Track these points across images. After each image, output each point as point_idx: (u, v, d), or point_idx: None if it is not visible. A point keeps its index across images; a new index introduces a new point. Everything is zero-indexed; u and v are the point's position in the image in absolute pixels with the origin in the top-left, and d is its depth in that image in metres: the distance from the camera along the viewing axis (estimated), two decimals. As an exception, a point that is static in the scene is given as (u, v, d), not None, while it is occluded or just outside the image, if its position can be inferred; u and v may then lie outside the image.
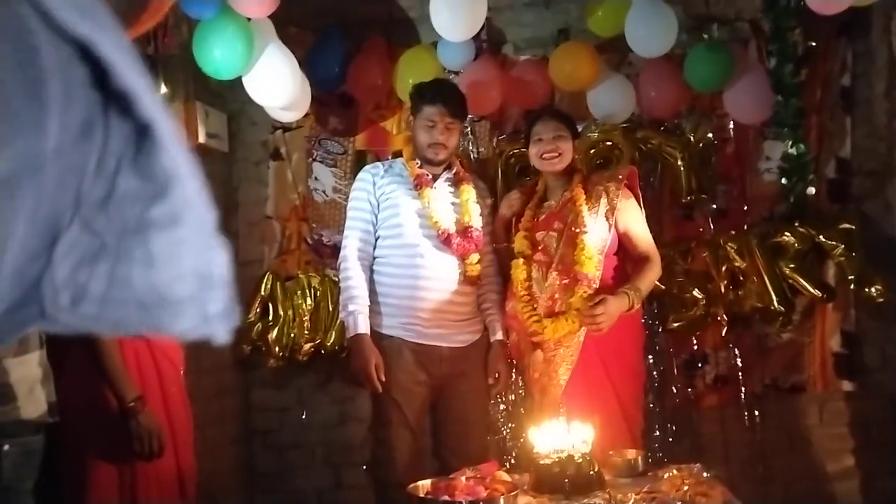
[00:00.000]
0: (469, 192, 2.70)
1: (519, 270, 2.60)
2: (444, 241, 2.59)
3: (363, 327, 2.54)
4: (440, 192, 2.69)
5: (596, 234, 2.51)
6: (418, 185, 2.64)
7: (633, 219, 2.58)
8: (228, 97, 3.47)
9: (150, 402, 2.18)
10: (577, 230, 2.51)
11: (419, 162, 2.68)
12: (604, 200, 2.55)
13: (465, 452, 2.65)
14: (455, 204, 2.70)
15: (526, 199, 2.74)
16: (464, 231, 2.63)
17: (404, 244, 2.61)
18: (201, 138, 3.18)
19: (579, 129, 2.83)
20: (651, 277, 2.53)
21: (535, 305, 2.55)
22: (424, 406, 2.65)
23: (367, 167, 2.83)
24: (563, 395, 2.48)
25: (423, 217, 2.63)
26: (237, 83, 3.05)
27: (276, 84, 2.96)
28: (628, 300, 2.41)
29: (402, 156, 2.82)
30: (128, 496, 2.16)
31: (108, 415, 2.13)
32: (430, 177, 2.68)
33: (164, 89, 2.92)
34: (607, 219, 2.54)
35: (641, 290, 2.46)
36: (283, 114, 3.24)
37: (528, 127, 2.71)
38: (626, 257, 2.61)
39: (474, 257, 2.63)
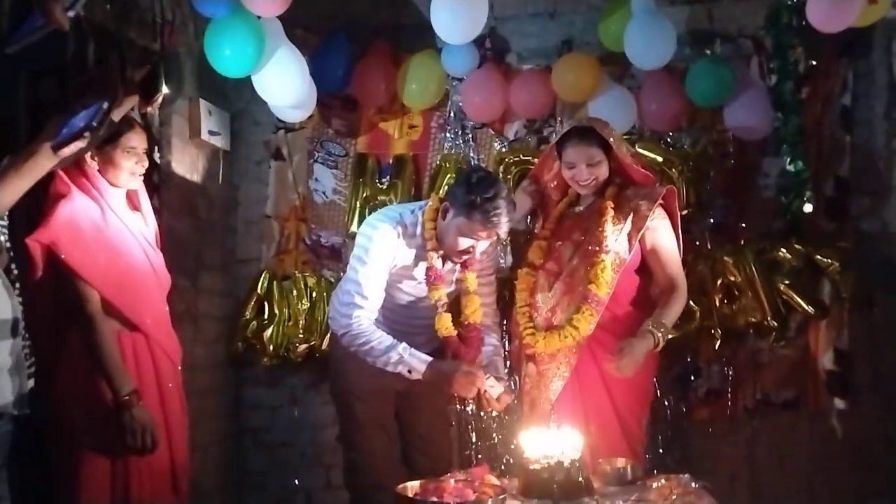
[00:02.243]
0: (475, 283, 2.58)
1: (522, 279, 2.59)
2: (445, 343, 2.52)
3: (423, 356, 2.39)
4: (446, 279, 2.57)
5: (615, 251, 2.44)
6: (430, 279, 2.51)
7: (665, 241, 2.49)
8: (232, 96, 3.49)
9: (146, 396, 2.17)
10: (598, 248, 2.43)
11: (439, 253, 2.50)
12: (631, 218, 2.44)
13: (434, 452, 2.66)
14: (457, 291, 2.60)
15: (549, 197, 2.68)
16: (466, 328, 2.55)
17: (395, 301, 2.57)
18: (204, 135, 3.20)
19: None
20: (676, 310, 2.43)
21: (534, 316, 2.54)
22: (392, 408, 2.65)
23: (388, 220, 2.52)
24: (556, 408, 2.46)
25: (423, 291, 2.55)
26: (241, 82, 3.07)
27: (286, 83, 2.97)
28: (653, 340, 2.32)
29: (418, 203, 2.67)
30: (120, 491, 2.14)
31: (102, 407, 2.12)
32: (443, 272, 2.53)
33: (167, 86, 2.93)
34: (630, 239, 2.44)
35: (667, 326, 2.37)
36: (290, 112, 3.25)
37: (559, 145, 2.57)
38: (650, 279, 2.54)
39: (470, 308, 2.55)
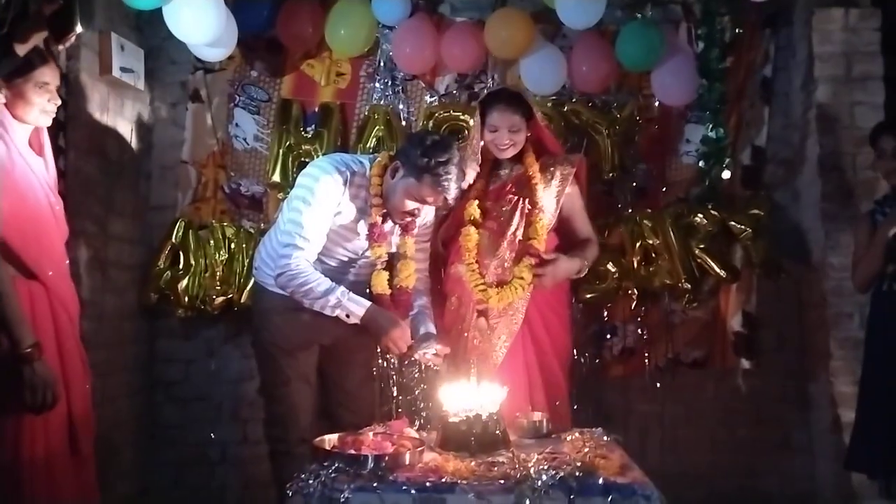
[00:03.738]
0: (412, 248, 2.55)
1: (469, 238, 2.60)
2: (377, 298, 2.47)
3: (362, 300, 2.35)
4: (388, 238, 2.53)
5: (547, 211, 2.61)
6: (372, 236, 2.46)
7: (578, 205, 2.71)
8: (147, 31, 3.29)
9: (45, 350, 2.03)
10: (534, 208, 2.58)
11: (382, 213, 2.45)
12: (555, 182, 2.63)
13: (357, 406, 2.66)
14: (395, 254, 2.57)
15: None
16: (397, 290, 2.53)
17: (333, 255, 2.50)
18: (115, 72, 3.01)
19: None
20: (594, 252, 2.70)
21: (483, 273, 2.58)
22: (316, 362, 2.63)
23: (336, 166, 2.42)
24: (503, 361, 2.55)
25: (361, 248, 2.51)
26: (157, 16, 2.89)
27: (198, 18, 2.81)
28: (579, 263, 2.60)
29: (368, 155, 2.61)
30: (10, 452, 2.00)
31: None
32: (384, 230, 2.48)
33: (81, 24, 2.73)
34: (557, 198, 2.62)
35: (588, 260, 2.65)
36: (208, 51, 3.09)
37: (483, 106, 2.64)
38: (565, 240, 2.70)
39: (404, 273, 2.53)
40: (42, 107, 2.14)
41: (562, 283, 2.67)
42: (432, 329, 2.55)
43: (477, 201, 2.64)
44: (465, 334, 2.60)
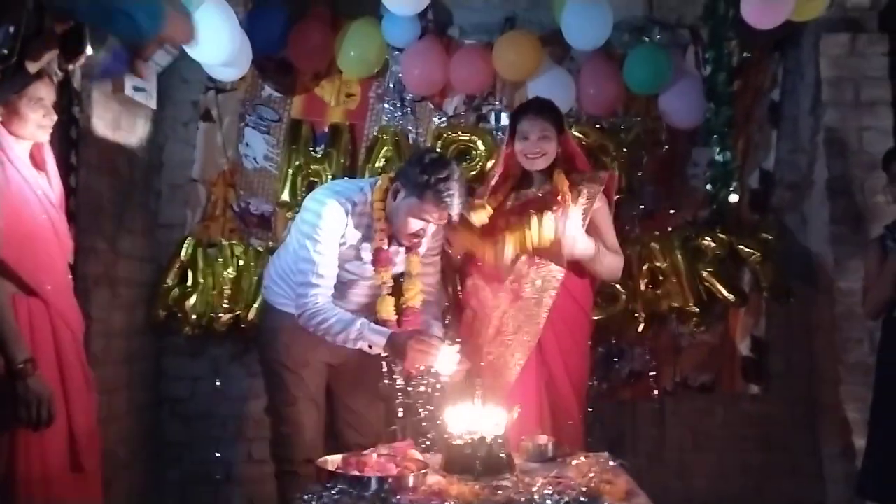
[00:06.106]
0: (418, 266, 2.55)
1: (481, 224, 2.58)
2: (384, 323, 2.46)
3: (382, 329, 2.36)
4: (393, 261, 2.53)
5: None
6: (378, 261, 2.46)
7: (606, 220, 2.65)
8: (160, 51, 3.33)
9: (43, 366, 2.01)
10: (541, 217, 2.52)
11: (387, 237, 2.45)
12: (582, 199, 2.58)
13: (364, 427, 2.65)
14: (401, 273, 2.56)
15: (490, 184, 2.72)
16: (404, 312, 2.52)
17: (338, 280, 2.49)
18: (128, 91, 3.03)
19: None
20: (615, 261, 2.62)
21: (500, 282, 2.58)
22: (324, 382, 2.62)
23: (336, 199, 2.41)
24: (517, 379, 2.54)
25: (367, 271, 2.51)
26: (171, 37, 2.92)
27: (213, 39, 2.84)
28: (594, 246, 2.53)
29: (369, 179, 2.62)
30: (4, 466, 1.98)
31: None
32: (391, 254, 2.48)
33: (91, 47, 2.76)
34: (584, 215, 2.57)
35: (605, 254, 2.57)
36: (223, 71, 3.12)
37: (514, 117, 2.67)
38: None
39: (411, 292, 2.53)
40: (38, 122, 2.13)
41: (582, 306, 2.64)
42: (438, 332, 2.54)
43: (492, 210, 2.62)
44: (493, 322, 2.59)
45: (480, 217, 2.60)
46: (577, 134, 3.19)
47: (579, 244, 2.51)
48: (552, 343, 2.58)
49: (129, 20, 1.25)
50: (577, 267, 2.60)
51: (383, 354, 2.45)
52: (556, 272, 2.56)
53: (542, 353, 2.58)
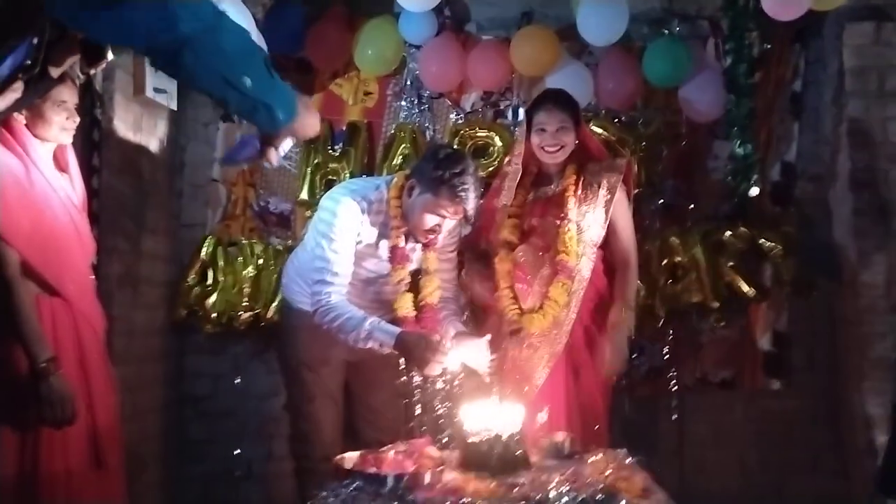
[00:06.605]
0: (435, 262, 2.54)
1: (503, 263, 2.56)
2: (402, 320, 2.47)
3: (390, 328, 2.35)
4: (410, 258, 2.53)
5: (596, 226, 2.51)
6: (395, 258, 2.47)
7: (622, 213, 2.58)
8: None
9: (66, 365, 2.05)
10: (564, 220, 2.49)
11: (404, 231, 2.46)
12: (602, 192, 2.52)
13: (383, 424, 2.66)
14: (418, 270, 2.56)
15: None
16: (421, 308, 2.52)
17: (356, 277, 2.50)
18: (149, 93, 3.07)
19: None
20: (634, 284, 2.60)
21: (526, 293, 2.54)
22: (343, 379, 2.63)
23: (352, 197, 2.43)
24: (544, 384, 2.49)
25: (385, 268, 2.51)
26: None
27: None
28: (629, 324, 2.53)
29: (385, 176, 2.63)
30: (28, 465, 2.01)
31: (16, 374, 1.99)
32: (408, 251, 2.49)
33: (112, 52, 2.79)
34: (606, 208, 2.51)
35: (632, 303, 2.57)
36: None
37: (530, 110, 2.61)
38: (606, 248, 2.60)
39: (428, 289, 2.52)
40: (61, 125, 2.16)
41: (606, 298, 2.59)
42: (461, 328, 2.53)
43: (515, 220, 2.59)
44: (507, 351, 2.55)
45: (508, 233, 2.58)
46: (595, 129, 3.16)
47: (623, 352, 2.53)
48: (580, 340, 2.54)
49: (270, 112, 1.34)
50: (599, 262, 2.56)
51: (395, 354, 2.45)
52: (585, 272, 2.51)
53: (571, 352, 2.53)
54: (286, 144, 1.52)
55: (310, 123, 1.47)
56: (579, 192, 2.53)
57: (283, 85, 1.36)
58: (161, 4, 1.15)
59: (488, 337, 2.42)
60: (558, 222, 2.52)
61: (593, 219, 2.52)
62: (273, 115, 1.35)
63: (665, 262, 3.19)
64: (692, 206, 3.33)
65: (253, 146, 1.64)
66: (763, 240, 3.17)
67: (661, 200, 3.33)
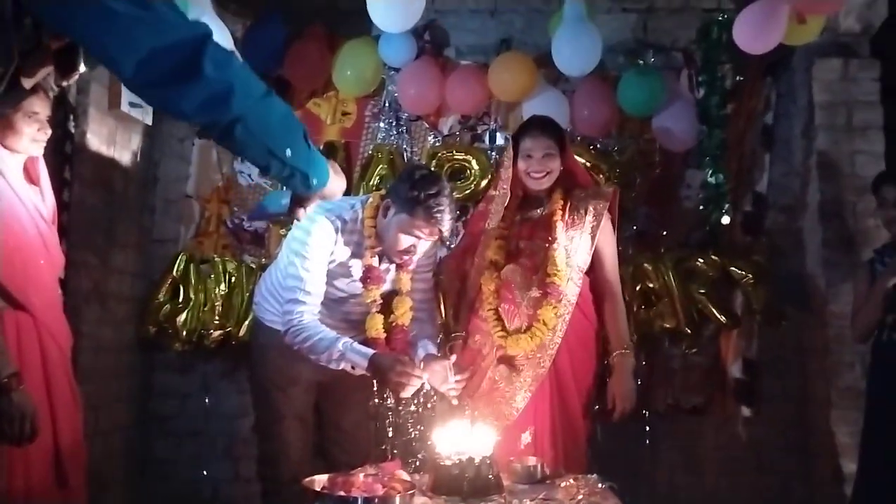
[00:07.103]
0: (408, 284, 2.51)
1: (489, 283, 2.54)
2: (372, 342, 2.44)
3: (364, 350, 2.29)
4: (383, 278, 2.50)
5: (583, 251, 2.50)
6: (368, 279, 2.44)
7: (607, 240, 2.58)
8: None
9: (29, 381, 1.98)
10: (552, 244, 2.48)
11: (377, 251, 2.42)
12: (589, 218, 2.52)
13: (353, 446, 2.62)
14: (391, 291, 2.53)
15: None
16: (392, 330, 2.48)
17: (327, 297, 2.46)
18: (124, 107, 3.05)
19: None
20: (624, 317, 2.60)
21: (513, 313, 2.51)
22: (313, 400, 2.60)
23: (326, 216, 2.39)
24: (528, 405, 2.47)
25: (357, 288, 2.48)
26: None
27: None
28: (630, 361, 2.55)
29: (358, 196, 2.60)
30: None
31: None
32: (381, 271, 2.46)
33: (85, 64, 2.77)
34: (592, 234, 2.51)
35: (627, 339, 2.59)
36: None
37: (517, 136, 2.60)
38: (591, 275, 2.58)
39: (400, 310, 2.49)
40: (32, 136, 2.13)
41: (591, 321, 2.56)
42: (432, 350, 2.50)
43: (501, 241, 2.58)
44: (488, 374, 2.52)
45: (494, 254, 2.56)
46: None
47: (632, 391, 2.55)
48: (565, 360, 2.51)
49: (306, 179, 1.43)
50: (585, 288, 2.54)
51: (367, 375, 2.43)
52: (571, 297, 2.49)
53: (555, 375, 2.50)
54: (313, 204, 1.61)
55: (338, 186, 1.58)
56: (566, 216, 2.53)
57: (318, 154, 1.48)
58: (221, 79, 1.22)
59: (453, 359, 2.40)
60: (546, 245, 2.51)
61: (580, 244, 2.51)
62: (308, 181, 1.46)
63: (638, 287, 3.22)
64: (665, 233, 3.37)
65: (279, 205, 1.69)
66: (734, 268, 3.21)
67: (635, 227, 3.36)
